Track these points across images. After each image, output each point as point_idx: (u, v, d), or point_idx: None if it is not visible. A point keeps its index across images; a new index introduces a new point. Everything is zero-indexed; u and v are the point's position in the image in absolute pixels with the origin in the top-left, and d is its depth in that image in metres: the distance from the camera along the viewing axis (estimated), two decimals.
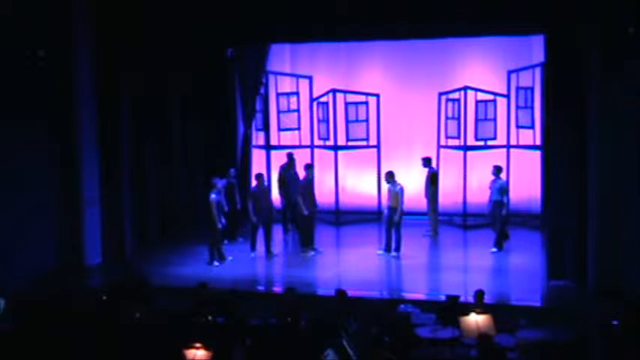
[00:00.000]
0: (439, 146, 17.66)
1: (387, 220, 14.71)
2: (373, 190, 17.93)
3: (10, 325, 10.15)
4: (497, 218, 14.83)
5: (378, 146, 18.03)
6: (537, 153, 16.62)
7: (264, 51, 17.48)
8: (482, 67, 17.71)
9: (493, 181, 14.93)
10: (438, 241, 16.12)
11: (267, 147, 18.43)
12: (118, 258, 14.57)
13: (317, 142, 17.99)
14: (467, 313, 9.47)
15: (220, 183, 14.85)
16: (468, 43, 16.93)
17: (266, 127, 18.41)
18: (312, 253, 15.02)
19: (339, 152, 17.90)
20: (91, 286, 13.12)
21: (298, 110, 18.19)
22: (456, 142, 17.45)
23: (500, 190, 14.79)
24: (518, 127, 17.24)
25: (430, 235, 16.33)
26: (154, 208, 15.85)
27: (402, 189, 14.59)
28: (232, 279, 13.31)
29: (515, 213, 17.20)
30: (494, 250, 14.73)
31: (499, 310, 10.49)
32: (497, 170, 14.97)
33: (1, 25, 12.69)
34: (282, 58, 18.47)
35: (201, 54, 16.57)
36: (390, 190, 14.72)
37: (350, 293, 11.04)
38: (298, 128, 18.24)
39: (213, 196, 14.32)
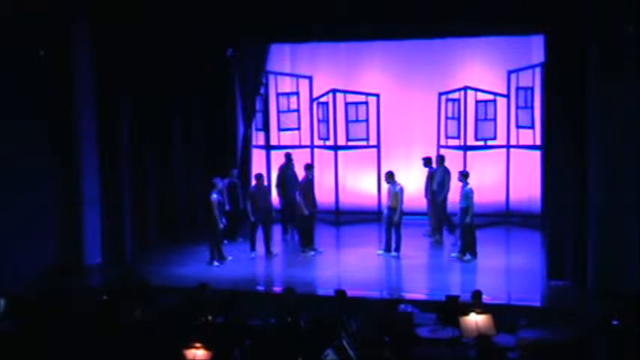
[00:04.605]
0: (439, 146, 17.66)
1: (387, 220, 14.70)
2: (373, 190, 17.94)
3: (10, 325, 10.15)
4: (464, 226, 14.13)
5: (378, 146, 18.03)
6: (537, 153, 16.63)
7: (264, 51, 17.48)
8: (482, 67, 17.70)
9: (461, 188, 14.24)
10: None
11: (267, 147, 18.42)
12: (118, 258, 14.56)
13: (317, 142, 18.00)
14: (467, 313, 9.47)
15: (221, 183, 14.85)
16: (468, 43, 16.91)
17: (266, 127, 18.41)
18: (312, 253, 15.01)
19: (339, 152, 17.90)
20: (91, 286, 13.13)
21: (298, 110, 18.20)
22: (456, 142, 17.47)
23: (465, 196, 14.05)
24: (518, 127, 17.26)
25: (430, 235, 16.33)
26: (154, 208, 15.83)
27: (401, 189, 14.57)
28: (232, 279, 13.31)
29: (515, 213, 17.27)
30: (468, 258, 14.06)
31: (499, 310, 10.48)
32: (462, 176, 14.28)
33: (1, 25, 12.69)
34: (282, 58, 18.45)
35: (201, 54, 16.57)
36: (389, 190, 14.70)
37: (350, 293, 11.01)
38: (298, 128, 18.25)
39: (214, 196, 14.30)
